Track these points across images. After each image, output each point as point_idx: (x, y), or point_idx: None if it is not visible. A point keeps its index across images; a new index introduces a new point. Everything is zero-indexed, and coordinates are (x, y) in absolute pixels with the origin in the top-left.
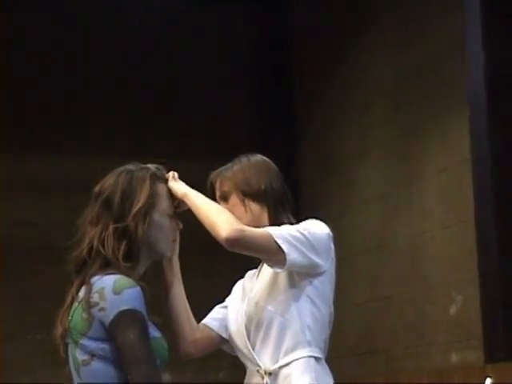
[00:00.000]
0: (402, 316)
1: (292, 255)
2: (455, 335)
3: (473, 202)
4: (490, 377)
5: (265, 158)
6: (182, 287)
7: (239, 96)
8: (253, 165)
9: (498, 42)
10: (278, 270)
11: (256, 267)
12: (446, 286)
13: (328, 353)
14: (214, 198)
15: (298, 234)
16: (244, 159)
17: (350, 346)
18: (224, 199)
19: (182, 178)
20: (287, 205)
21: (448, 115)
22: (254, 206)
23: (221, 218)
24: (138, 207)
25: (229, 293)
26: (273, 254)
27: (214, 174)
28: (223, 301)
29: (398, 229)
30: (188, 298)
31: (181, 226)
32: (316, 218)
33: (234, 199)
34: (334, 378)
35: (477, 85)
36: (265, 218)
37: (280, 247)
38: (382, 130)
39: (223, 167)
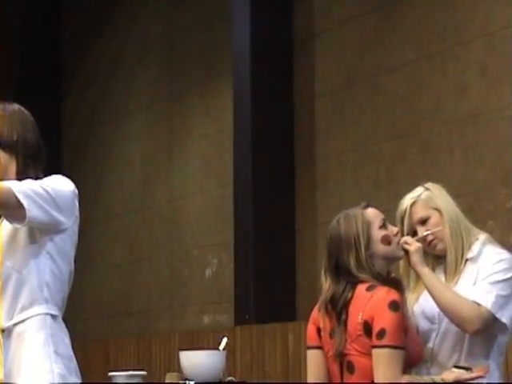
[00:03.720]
0: (158, 278)
1: (33, 211)
2: (209, 297)
3: (232, 169)
4: (226, 336)
5: (22, 108)
6: None
7: (4, 47)
8: (8, 114)
9: (264, 14)
10: (18, 226)
11: None
12: (203, 249)
13: (83, 312)
14: None
15: (41, 190)
16: None
17: (106, 307)
18: None
19: None
20: (39, 160)
21: (214, 83)
22: (3, 156)
23: None
24: None
25: None
26: (12, 209)
27: None
28: None
29: (158, 192)
30: None
31: None
32: (75, 177)
33: None
34: (73, 337)
35: (242, 55)
36: (12, 169)
37: (20, 202)
38: (149, 92)
39: None
